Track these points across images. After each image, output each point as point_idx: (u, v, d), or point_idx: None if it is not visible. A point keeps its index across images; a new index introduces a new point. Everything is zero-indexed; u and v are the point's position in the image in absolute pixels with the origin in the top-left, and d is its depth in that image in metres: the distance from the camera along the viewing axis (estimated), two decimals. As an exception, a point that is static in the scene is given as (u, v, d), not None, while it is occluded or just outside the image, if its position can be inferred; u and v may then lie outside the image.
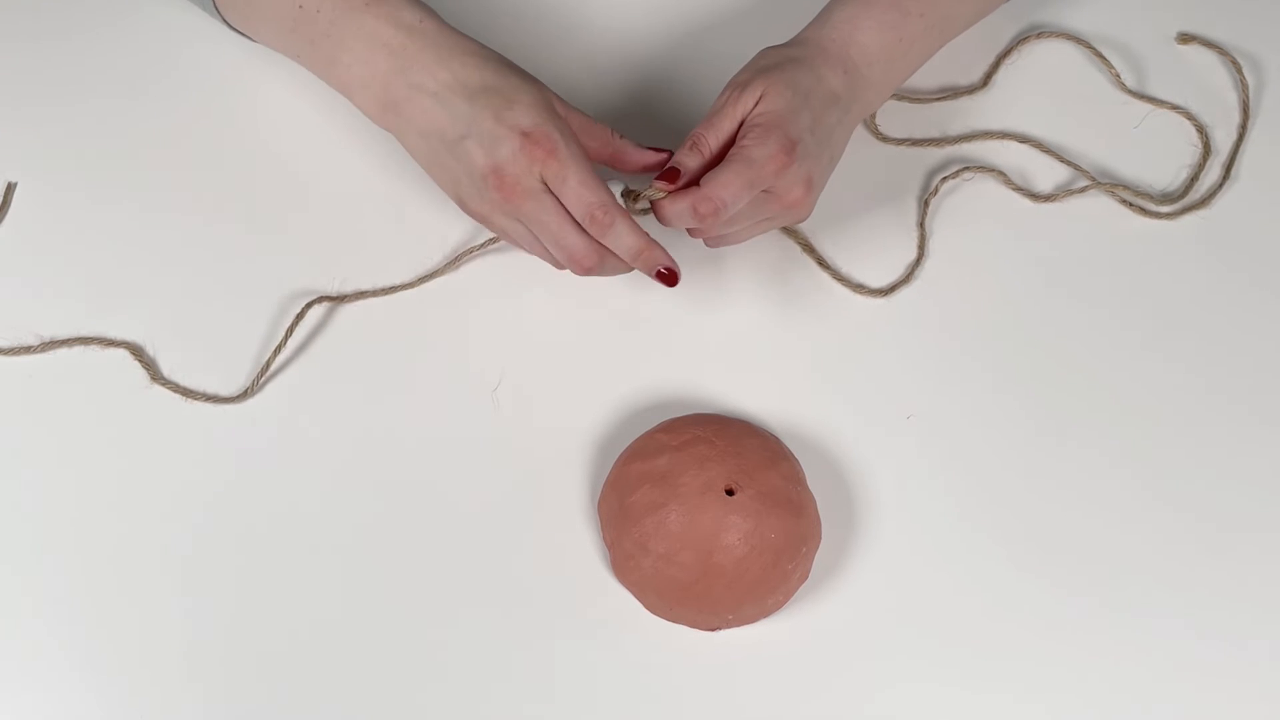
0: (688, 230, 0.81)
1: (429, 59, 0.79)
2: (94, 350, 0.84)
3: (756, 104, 0.79)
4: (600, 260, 0.78)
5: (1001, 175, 0.90)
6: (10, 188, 0.88)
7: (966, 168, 0.90)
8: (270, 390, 0.84)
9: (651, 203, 0.80)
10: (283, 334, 0.84)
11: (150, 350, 0.84)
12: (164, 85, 0.91)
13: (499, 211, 0.78)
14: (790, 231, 0.88)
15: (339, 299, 0.85)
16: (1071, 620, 0.80)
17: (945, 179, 0.89)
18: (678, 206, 0.78)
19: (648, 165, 0.82)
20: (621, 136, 0.82)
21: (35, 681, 0.77)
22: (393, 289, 0.86)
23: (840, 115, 0.81)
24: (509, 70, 0.79)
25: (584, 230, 0.77)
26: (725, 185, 0.77)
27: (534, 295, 0.85)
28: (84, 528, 0.80)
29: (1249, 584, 0.81)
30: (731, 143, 0.79)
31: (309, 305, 0.85)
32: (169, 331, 0.85)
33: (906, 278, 0.88)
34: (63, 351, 0.84)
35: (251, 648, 0.78)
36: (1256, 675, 0.79)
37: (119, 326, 0.85)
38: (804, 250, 0.88)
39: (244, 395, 0.83)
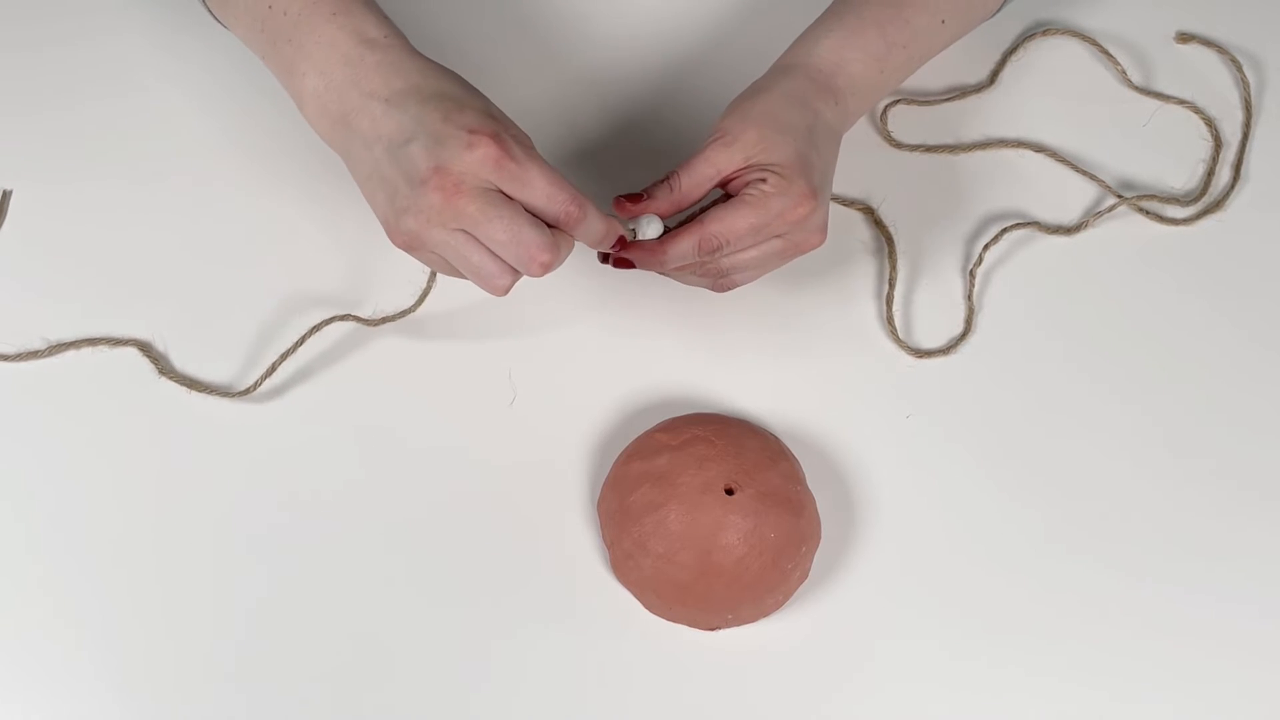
0: (691, 275, 0.79)
1: (386, 70, 0.76)
2: (102, 350, 0.84)
3: (753, 154, 0.76)
4: (559, 251, 0.74)
5: (1036, 224, 0.89)
6: (6, 195, 0.88)
7: (1004, 230, 0.88)
8: (274, 390, 0.84)
9: (632, 241, 0.78)
10: (295, 339, 0.83)
11: (160, 345, 0.85)
12: (162, 81, 0.92)
13: (434, 222, 0.73)
14: (892, 264, 0.87)
15: (370, 323, 0.84)
16: (1072, 618, 0.80)
17: (988, 246, 0.87)
18: (679, 242, 0.77)
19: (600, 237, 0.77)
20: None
21: (47, 674, 0.77)
22: (403, 312, 0.85)
23: (837, 149, 0.80)
24: (467, 85, 0.76)
25: (539, 222, 0.73)
26: (731, 225, 0.76)
27: (533, 296, 0.85)
28: (99, 530, 0.80)
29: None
30: (707, 189, 0.78)
31: (328, 321, 0.84)
32: (174, 330, 0.85)
33: (954, 345, 0.86)
34: (71, 354, 0.84)
35: (255, 648, 0.78)
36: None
37: (123, 327, 0.85)
38: (888, 285, 0.87)
39: (249, 390, 0.83)
